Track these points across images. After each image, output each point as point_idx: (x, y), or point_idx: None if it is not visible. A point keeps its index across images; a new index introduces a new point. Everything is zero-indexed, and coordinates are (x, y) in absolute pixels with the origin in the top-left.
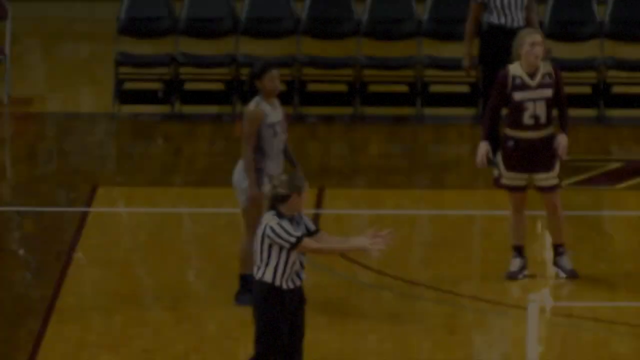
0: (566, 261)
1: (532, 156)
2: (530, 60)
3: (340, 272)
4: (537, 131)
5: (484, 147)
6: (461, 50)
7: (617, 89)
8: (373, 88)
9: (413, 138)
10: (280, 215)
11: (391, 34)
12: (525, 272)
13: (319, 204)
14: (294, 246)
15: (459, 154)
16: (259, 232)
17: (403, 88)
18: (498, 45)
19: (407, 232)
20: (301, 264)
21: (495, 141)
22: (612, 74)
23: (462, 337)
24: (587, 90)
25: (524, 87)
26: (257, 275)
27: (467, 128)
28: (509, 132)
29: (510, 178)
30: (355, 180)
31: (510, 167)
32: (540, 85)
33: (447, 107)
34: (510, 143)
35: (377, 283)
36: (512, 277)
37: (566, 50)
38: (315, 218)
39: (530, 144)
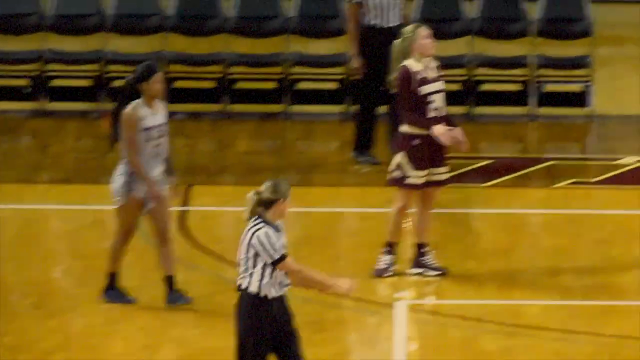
0: (433, 259)
1: (435, 151)
2: (427, 52)
3: (206, 268)
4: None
5: (443, 127)
6: (329, 47)
7: (486, 87)
8: (241, 85)
9: (281, 135)
10: (265, 222)
11: (259, 31)
12: (392, 270)
13: (185, 201)
14: (275, 263)
15: (327, 151)
16: (245, 240)
17: (271, 85)
18: (373, 44)
19: None
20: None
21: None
22: (481, 71)
23: (330, 335)
24: (456, 87)
25: (426, 80)
26: (243, 284)
27: (335, 125)
28: (413, 130)
29: (418, 176)
30: (222, 177)
31: (417, 166)
32: (438, 78)
33: (315, 104)
34: (416, 141)
35: None
36: (380, 274)
37: (436, 48)
38: (182, 215)
39: (433, 139)
